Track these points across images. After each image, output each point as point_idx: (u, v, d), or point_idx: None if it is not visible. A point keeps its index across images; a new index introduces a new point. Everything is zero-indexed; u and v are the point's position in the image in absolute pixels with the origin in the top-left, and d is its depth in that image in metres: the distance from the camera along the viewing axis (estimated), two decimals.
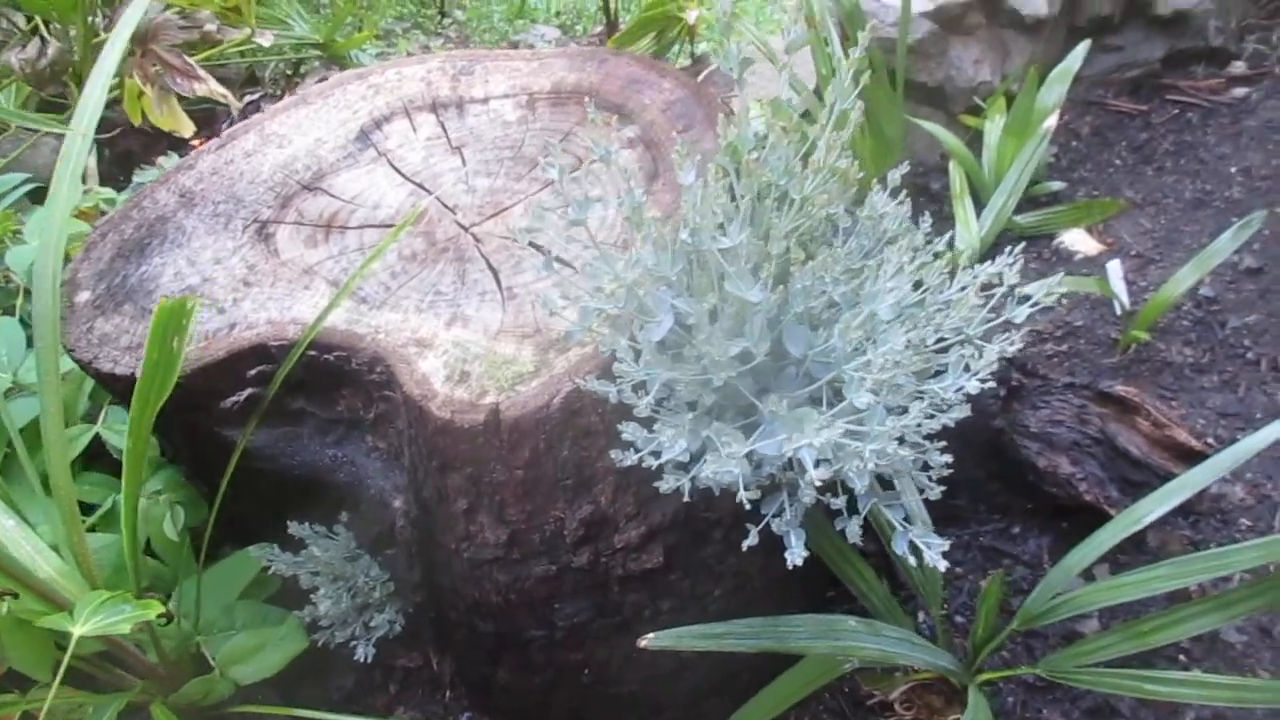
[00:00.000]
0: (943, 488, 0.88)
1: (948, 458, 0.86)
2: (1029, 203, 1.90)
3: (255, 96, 2.57)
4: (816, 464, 0.73)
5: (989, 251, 1.78)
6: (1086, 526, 1.28)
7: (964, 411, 0.85)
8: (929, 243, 0.98)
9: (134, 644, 1.02)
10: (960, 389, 0.83)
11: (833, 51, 1.63)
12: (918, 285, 0.90)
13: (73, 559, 0.96)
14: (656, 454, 0.80)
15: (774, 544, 0.85)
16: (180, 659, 1.07)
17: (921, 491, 0.86)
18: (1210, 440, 1.49)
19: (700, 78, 2.09)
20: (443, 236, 1.03)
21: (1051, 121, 1.73)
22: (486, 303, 0.95)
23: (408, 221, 0.96)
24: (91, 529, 1.19)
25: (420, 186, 1.08)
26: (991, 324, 0.92)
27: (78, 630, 0.78)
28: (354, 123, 1.17)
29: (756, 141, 0.92)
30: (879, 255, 0.97)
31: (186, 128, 2.22)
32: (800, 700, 1.04)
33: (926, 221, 0.97)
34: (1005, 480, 1.32)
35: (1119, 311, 1.64)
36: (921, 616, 1.26)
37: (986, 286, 0.93)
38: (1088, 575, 1.27)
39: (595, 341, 0.89)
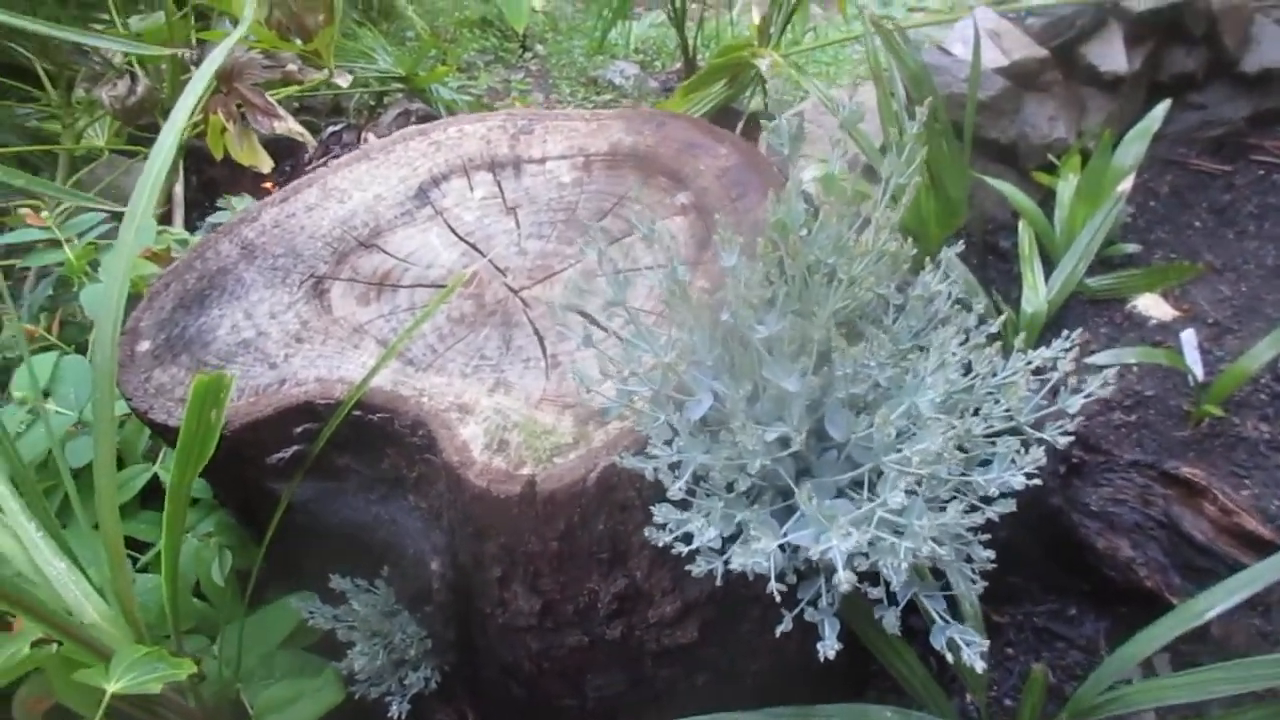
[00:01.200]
0: (993, 566, 0.85)
1: (990, 553, 0.83)
2: (1102, 265, 1.85)
3: (339, 127, 2.63)
4: (847, 563, 0.71)
5: (1057, 315, 1.73)
6: (1146, 612, 1.23)
7: (1009, 506, 0.83)
8: (982, 323, 0.96)
9: (175, 690, 1.03)
10: (1004, 483, 0.80)
11: (899, 111, 1.61)
12: (968, 370, 0.88)
13: (118, 603, 0.98)
14: (688, 538, 0.79)
15: (812, 624, 0.83)
16: (220, 705, 1.09)
17: (960, 586, 0.84)
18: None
19: (762, 143, 2.08)
20: (491, 299, 1.03)
21: (1127, 184, 1.68)
22: (530, 370, 0.95)
23: (455, 285, 0.97)
24: (144, 568, 1.22)
25: (473, 247, 1.09)
26: (1045, 411, 0.89)
27: (111, 687, 0.79)
28: (413, 180, 1.19)
29: (806, 217, 0.91)
30: (928, 337, 0.95)
31: (265, 163, 2.29)
32: None
33: (980, 302, 0.94)
34: (1063, 560, 1.28)
35: (1192, 383, 1.58)
36: (970, 697, 1.22)
37: (1042, 370, 0.90)
38: (1147, 665, 1.22)
39: (635, 414, 0.88)
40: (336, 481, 1.04)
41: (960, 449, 0.86)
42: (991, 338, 0.94)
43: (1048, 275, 1.75)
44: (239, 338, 1.05)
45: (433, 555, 1.00)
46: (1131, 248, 1.88)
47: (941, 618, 0.84)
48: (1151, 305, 1.76)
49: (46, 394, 1.32)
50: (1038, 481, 0.79)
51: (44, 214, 1.54)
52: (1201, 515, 1.23)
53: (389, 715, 1.08)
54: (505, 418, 0.91)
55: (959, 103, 1.83)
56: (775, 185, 1.08)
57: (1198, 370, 1.57)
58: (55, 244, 1.50)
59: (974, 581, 0.84)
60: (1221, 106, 2.07)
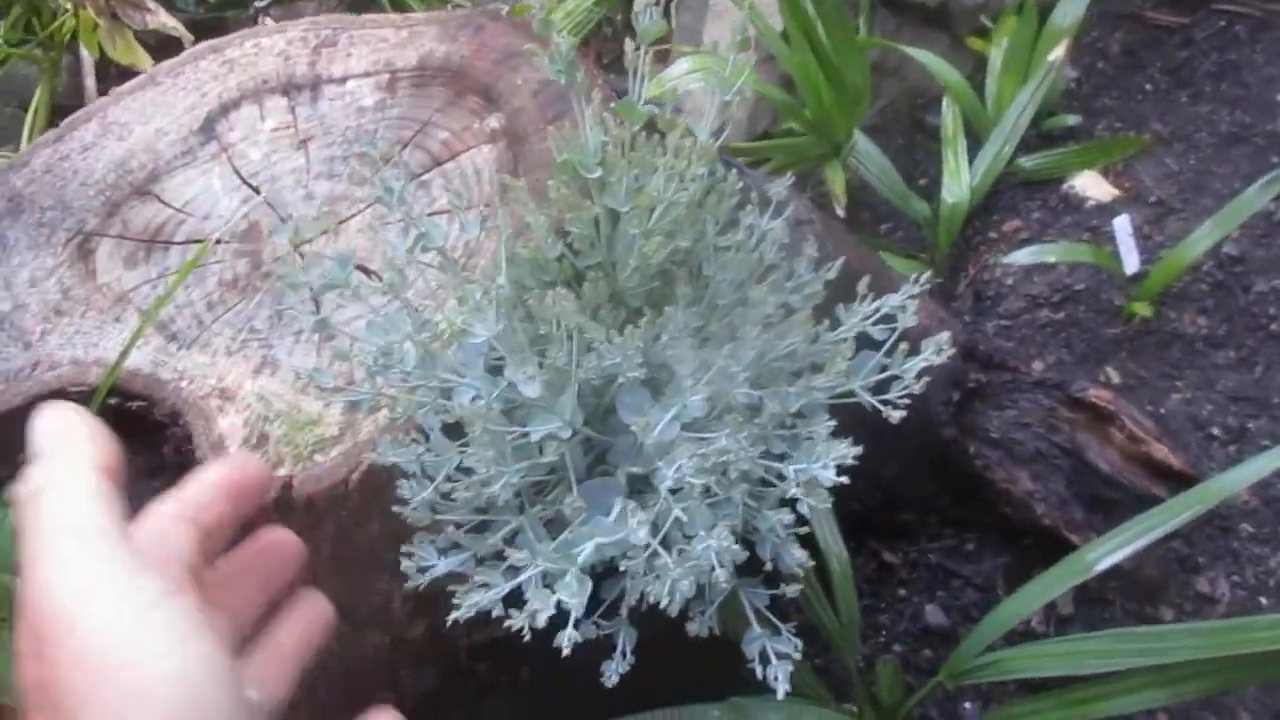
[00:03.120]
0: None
1: (804, 554, 0.72)
2: (1041, 139, 1.68)
3: (264, 3, 2.41)
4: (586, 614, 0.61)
5: (985, 200, 1.58)
6: (1049, 548, 1.14)
7: (821, 500, 0.71)
8: (821, 266, 0.83)
9: None
10: (807, 479, 0.69)
11: None
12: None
13: None
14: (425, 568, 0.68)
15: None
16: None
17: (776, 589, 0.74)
18: (1215, 431, 1.32)
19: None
20: (270, 256, 0.90)
21: (1060, 51, 1.51)
22: (301, 344, 0.83)
23: (202, 251, 0.83)
24: None
25: (255, 190, 0.95)
26: (888, 374, 0.77)
27: None
28: (201, 109, 1.03)
29: (600, 156, 0.77)
30: (751, 291, 0.82)
31: (143, 61, 2.11)
32: None
33: (811, 246, 0.80)
34: (960, 493, 1.17)
35: (1124, 277, 1.45)
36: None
37: (891, 318, 0.78)
38: (1049, 606, 1.13)
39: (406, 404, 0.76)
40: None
41: (784, 425, 0.75)
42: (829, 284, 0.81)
43: (976, 156, 1.59)
44: None
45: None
46: (1072, 120, 1.71)
47: (755, 621, 0.74)
48: (1090, 184, 1.61)
49: None
50: (844, 480, 0.67)
51: None
52: (1109, 443, 1.12)
53: None
54: (268, 405, 0.79)
55: None
56: (600, 103, 0.93)
57: (1131, 262, 1.43)
58: None
59: (790, 586, 0.73)
60: None
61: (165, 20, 2.04)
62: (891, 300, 0.77)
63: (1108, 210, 1.57)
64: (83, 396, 0.85)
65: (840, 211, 1.45)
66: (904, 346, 0.74)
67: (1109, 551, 0.96)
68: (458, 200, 0.89)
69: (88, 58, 2.14)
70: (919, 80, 1.75)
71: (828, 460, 0.68)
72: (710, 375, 0.67)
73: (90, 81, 2.20)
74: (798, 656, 0.71)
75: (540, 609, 0.61)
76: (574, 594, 0.61)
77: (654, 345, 0.71)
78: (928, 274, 0.78)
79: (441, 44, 1.03)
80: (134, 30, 2.10)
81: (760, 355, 0.73)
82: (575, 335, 0.67)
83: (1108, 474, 1.10)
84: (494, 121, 0.95)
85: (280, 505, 0.75)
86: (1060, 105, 1.71)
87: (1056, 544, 1.13)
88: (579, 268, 0.77)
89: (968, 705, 1.10)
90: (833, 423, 0.71)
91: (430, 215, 0.89)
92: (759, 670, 0.72)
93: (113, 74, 2.12)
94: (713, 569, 0.63)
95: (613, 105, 0.78)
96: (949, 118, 1.56)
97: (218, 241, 0.91)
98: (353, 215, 0.91)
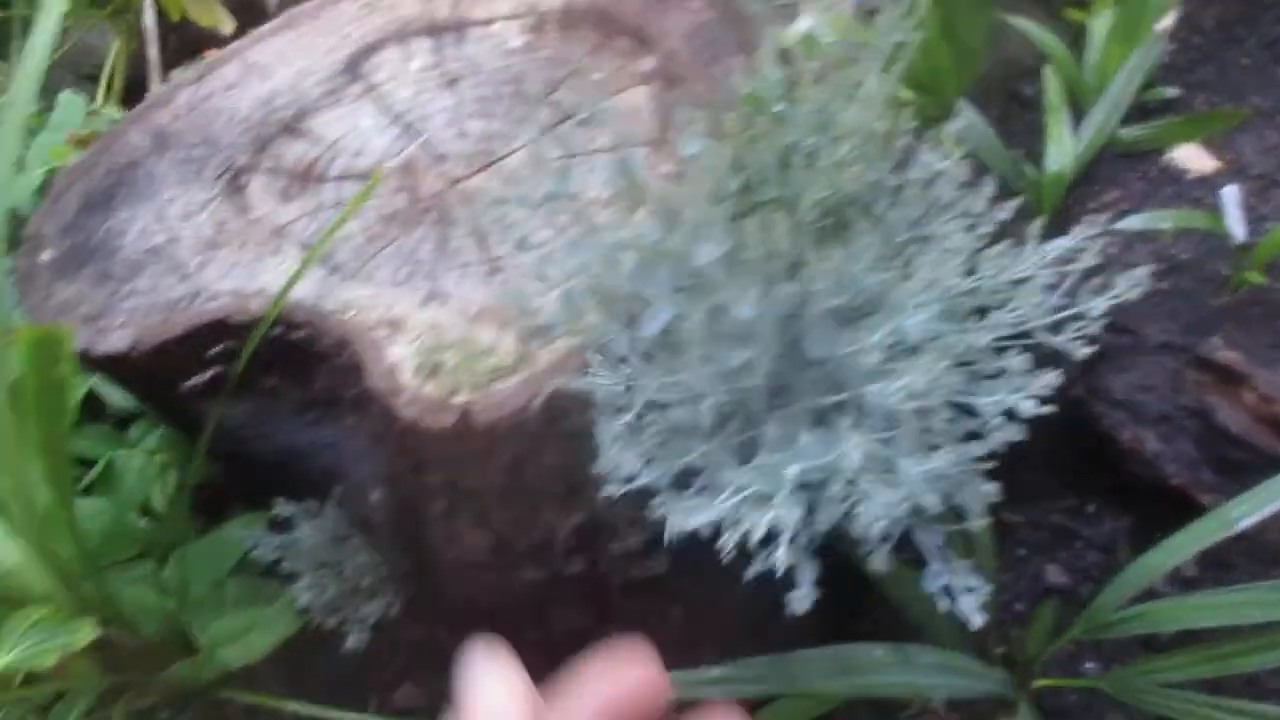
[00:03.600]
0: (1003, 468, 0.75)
1: (993, 488, 0.72)
2: (1138, 112, 1.66)
3: None
4: (801, 528, 0.61)
5: (1086, 171, 1.57)
6: (1173, 511, 1.13)
7: (1017, 433, 0.71)
8: (996, 204, 0.82)
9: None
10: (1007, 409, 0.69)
11: None
12: (971, 271, 0.75)
13: (37, 550, 0.89)
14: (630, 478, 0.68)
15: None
16: (168, 638, 1.02)
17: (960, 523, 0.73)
18: None
19: None
20: (427, 193, 0.90)
21: (1167, 21, 1.49)
22: (468, 277, 0.83)
23: (374, 184, 0.83)
24: (88, 489, 1.14)
25: (407, 129, 0.95)
26: (1062, 315, 0.77)
27: (2, 661, 0.71)
28: (343, 50, 1.03)
29: (789, 87, 0.77)
30: (928, 227, 0.82)
31: (226, 23, 2.12)
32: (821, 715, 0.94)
33: (990, 183, 0.80)
34: (1083, 454, 1.17)
35: (1232, 245, 1.43)
36: None
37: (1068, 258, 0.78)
38: (1174, 571, 1.12)
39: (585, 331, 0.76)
40: (267, 403, 0.93)
41: (963, 363, 0.74)
42: (1003, 225, 0.81)
43: (1077, 126, 1.57)
44: (149, 244, 0.93)
45: (373, 485, 0.90)
46: (1170, 92, 1.69)
47: (938, 559, 0.74)
48: (1191, 156, 1.59)
49: None
50: (1050, 409, 0.67)
51: None
52: (1239, 405, 1.11)
53: (346, 645, 1.01)
54: (439, 335, 0.79)
55: None
56: (755, 46, 0.92)
57: (1239, 231, 1.42)
58: None
59: (974, 519, 0.73)
60: None
61: None
62: (1064, 243, 0.77)
63: (1209, 183, 1.56)
64: (245, 326, 0.86)
65: None
66: (1092, 283, 0.74)
67: (1250, 510, 0.95)
68: (619, 139, 0.89)
69: (150, 25, 2.13)
70: (1013, 52, 1.73)
71: (1028, 392, 0.68)
72: (917, 300, 0.67)
73: (154, 50, 2.20)
74: (985, 591, 0.71)
75: (756, 525, 0.61)
76: (790, 509, 0.61)
77: (846, 274, 0.71)
78: (1105, 217, 0.78)
79: None
80: None
81: (946, 290, 0.72)
82: (778, 261, 0.67)
83: (1238, 435, 1.09)
84: (647, 64, 0.95)
85: (457, 432, 0.75)
86: (1156, 78, 1.70)
87: (1177, 508, 1.12)
88: (755, 202, 0.77)
89: (1089, 665, 1.10)
90: (1028, 356, 0.71)
91: (592, 153, 0.89)
92: (941, 605, 0.72)
93: (171, 44, 2.12)
94: (916, 501, 0.62)
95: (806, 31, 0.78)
96: (1052, 86, 1.55)
97: (377, 177, 0.91)
98: (510, 154, 0.91)
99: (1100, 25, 1.64)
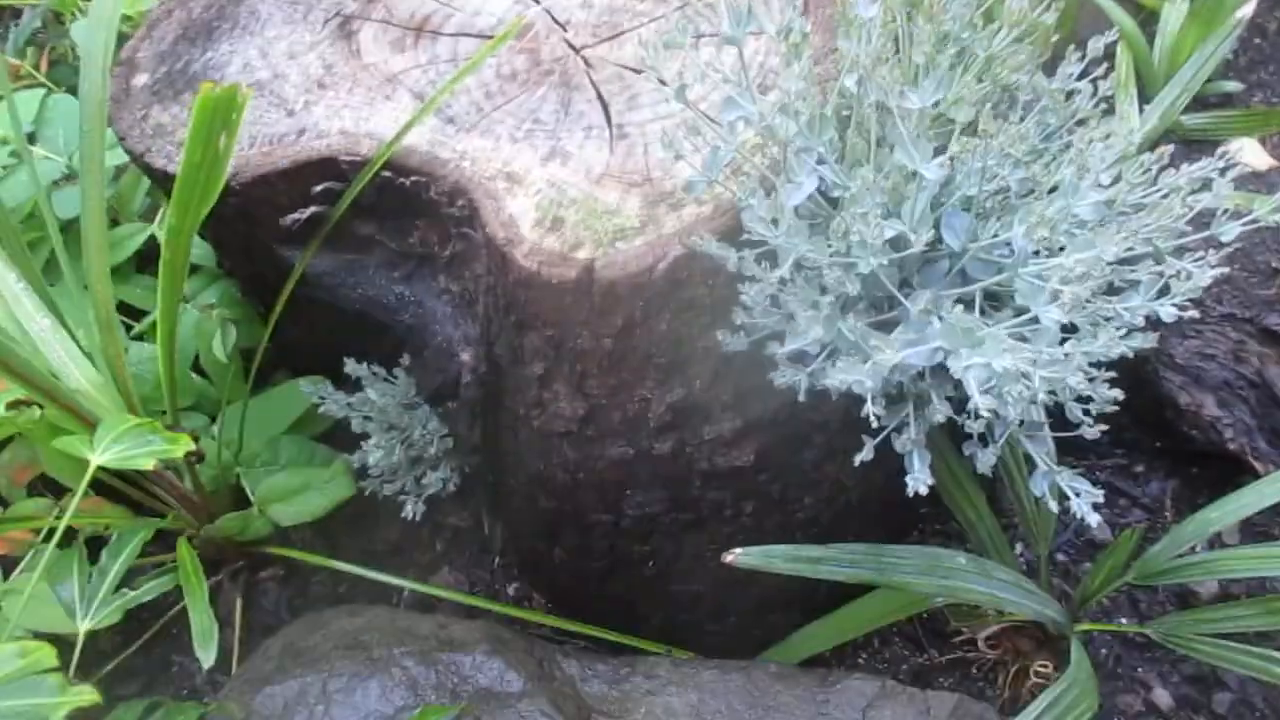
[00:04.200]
0: (1095, 423, 0.75)
1: (1117, 393, 0.72)
2: (1195, 103, 1.67)
3: None
4: (985, 390, 0.60)
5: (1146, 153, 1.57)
6: (1220, 476, 1.14)
7: (1149, 340, 0.71)
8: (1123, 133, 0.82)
9: (169, 468, 0.94)
10: (1149, 313, 0.69)
11: None
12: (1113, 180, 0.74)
13: (108, 370, 0.87)
14: (777, 340, 0.67)
15: (880, 458, 0.73)
16: (218, 490, 1.00)
17: (1078, 427, 0.73)
18: None
19: None
20: (548, 56, 0.88)
21: (1247, 9, 1.49)
22: (591, 139, 0.82)
23: (509, 34, 0.81)
24: (139, 337, 1.11)
25: None
26: (1185, 239, 0.77)
27: (95, 459, 0.69)
28: None
29: None
30: (1065, 139, 0.81)
31: None
32: (877, 628, 0.94)
33: (1128, 104, 0.80)
34: (1136, 413, 1.17)
35: None
36: (1019, 549, 1.14)
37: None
38: (1215, 537, 1.13)
39: (715, 200, 0.75)
40: (357, 254, 0.91)
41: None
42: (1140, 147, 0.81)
43: (1142, 107, 1.58)
44: (252, 78, 0.90)
45: (463, 346, 0.88)
46: (1231, 85, 1.70)
47: (1047, 463, 0.74)
48: (1247, 151, 1.60)
49: (31, 137, 1.18)
50: (1194, 313, 0.67)
51: None
52: None
53: (402, 514, 0.99)
54: (561, 192, 0.78)
55: None
56: None
57: None
58: None
59: (1089, 424, 0.74)
60: None
61: None
62: (1208, 166, 0.78)
63: (1263, 178, 1.58)
64: (352, 167, 0.84)
65: None
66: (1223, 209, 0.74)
67: None
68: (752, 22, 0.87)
69: None
70: (1084, 25, 1.74)
71: (1169, 301, 0.68)
72: (1055, 210, 0.67)
73: None
74: (1098, 495, 0.71)
75: (970, 367, 0.60)
76: (924, 385, 0.61)
77: (988, 171, 0.71)
78: (1242, 142, 0.78)
79: None
80: None
81: (1103, 199, 0.72)
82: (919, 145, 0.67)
83: None
84: None
85: (578, 287, 0.74)
86: (1218, 73, 1.71)
87: (1225, 473, 1.13)
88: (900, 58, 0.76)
89: (1122, 620, 1.11)
90: (1163, 268, 0.71)
91: (717, 35, 0.87)
92: (1052, 505, 0.72)
93: None
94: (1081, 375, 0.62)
95: None
96: (1123, 65, 1.56)
97: (513, 28, 0.89)
98: (636, 28, 0.90)
99: (1173, 11, 1.65)
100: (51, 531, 0.91)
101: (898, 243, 0.67)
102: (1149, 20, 1.70)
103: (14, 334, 0.88)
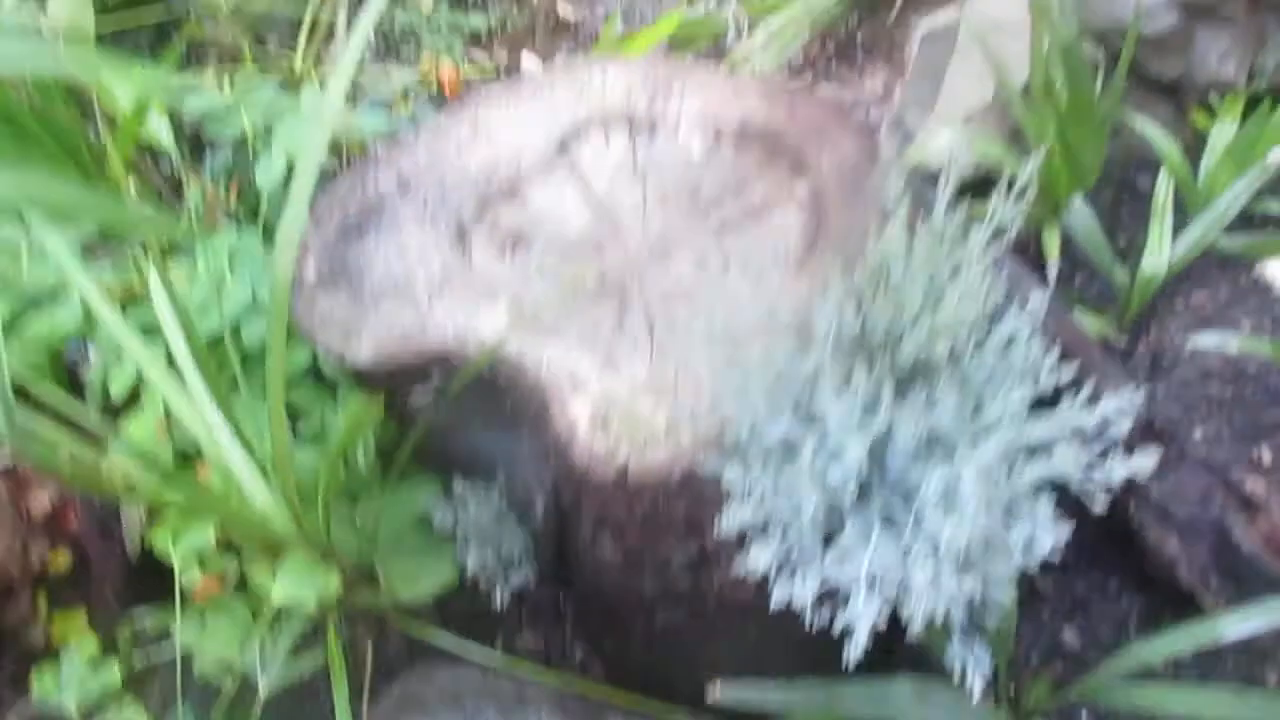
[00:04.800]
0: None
1: (1011, 593, 0.95)
2: (1240, 219, 1.81)
3: None
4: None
5: (1181, 274, 1.73)
6: (1185, 601, 1.34)
7: (1033, 564, 0.94)
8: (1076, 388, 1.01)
9: None
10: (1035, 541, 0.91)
11: (1050, 48, 1.58)
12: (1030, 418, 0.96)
13: (277, 477, 1.17)
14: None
15: None
16: (358, 570, 1.31)
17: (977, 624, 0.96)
18: None
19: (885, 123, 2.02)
20: (612, 273, 1.14)
21: (1276, 156, 1.63)
22: (637, 353, 1.07)
23: (583, 278, 1.08)
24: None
25: (602, 213, 1.19)
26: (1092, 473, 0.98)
27: (276, 600, 1.00)
28: (556, 128, 1.27)
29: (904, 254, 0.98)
30: (996, 391, 1.03)
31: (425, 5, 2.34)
32: None
33: (1055, 352, 1.00)
34: (1114, 535, 1.38)
35: None
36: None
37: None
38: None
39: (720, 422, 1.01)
40: (462, 409, 1.20)
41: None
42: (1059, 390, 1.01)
43: (1182, 227, 1.73)
44: (391, 276, 1.19)
45: (539, 490, 1.16)
46: (1274, 206, 1.82)
47: (960, 640, 0.98)
48: (1277, 273, 1.74)
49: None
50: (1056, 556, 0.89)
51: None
52: (1254, 528, 1.30)
53: (494, 603, 1.29)
54: (610, 400, 1.04)
55: (1125, 31, 1.77)
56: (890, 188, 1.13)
57: None
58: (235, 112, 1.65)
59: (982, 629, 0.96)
60: None
61: None
62: (1110, 406, 0.98)
63: None
64: (463, 361, 1.12)
65: (1052, 272, 1.63)
66: (1116, 449, 0.95)
67: (1239, 624, 1.16)
68: (771, 254, 1.12)
69: None
70: (1136, 141, 1.88)
71: (1048, 534, 0.90)
72: (941, 487, 0.89)
73: None
74: (987, 673, 0.95)
75: (862, 616, 0.85)
76: (857, 598, 0.85)
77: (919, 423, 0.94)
78: (1140, 397, 0.98)
79: (762, 107, 1.24)
80: None
81: (1004, 439, 0.94)
82: (881, 394, 0.90)
83: (1248, 555, 1.29)
84: (801, 189, 1.17)
85: (615, 481, 1.00)
86: (1264, 188, 1.82)
87: (1187, 600, 1.33)
88: (865, 332, 0.99)
89: (1084, 712, 1.32)
90: (1052, 503, 0.93)
91: (745, 264, 1.11)
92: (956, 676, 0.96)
93: None
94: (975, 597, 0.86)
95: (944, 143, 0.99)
96: (1162, 190, 1.70)
97: (570, 252, 1.15)
98: (680, 252, 1.15)
99: (1221, 134, 1.79)
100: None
101: (845, 482, 0.92)
102: (1201, 139, 1.84)
103: (211, 456, 1.20)
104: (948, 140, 1.47)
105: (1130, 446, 1.36)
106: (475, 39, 2.58)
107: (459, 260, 1.19)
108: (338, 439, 1.35)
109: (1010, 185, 0.97)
